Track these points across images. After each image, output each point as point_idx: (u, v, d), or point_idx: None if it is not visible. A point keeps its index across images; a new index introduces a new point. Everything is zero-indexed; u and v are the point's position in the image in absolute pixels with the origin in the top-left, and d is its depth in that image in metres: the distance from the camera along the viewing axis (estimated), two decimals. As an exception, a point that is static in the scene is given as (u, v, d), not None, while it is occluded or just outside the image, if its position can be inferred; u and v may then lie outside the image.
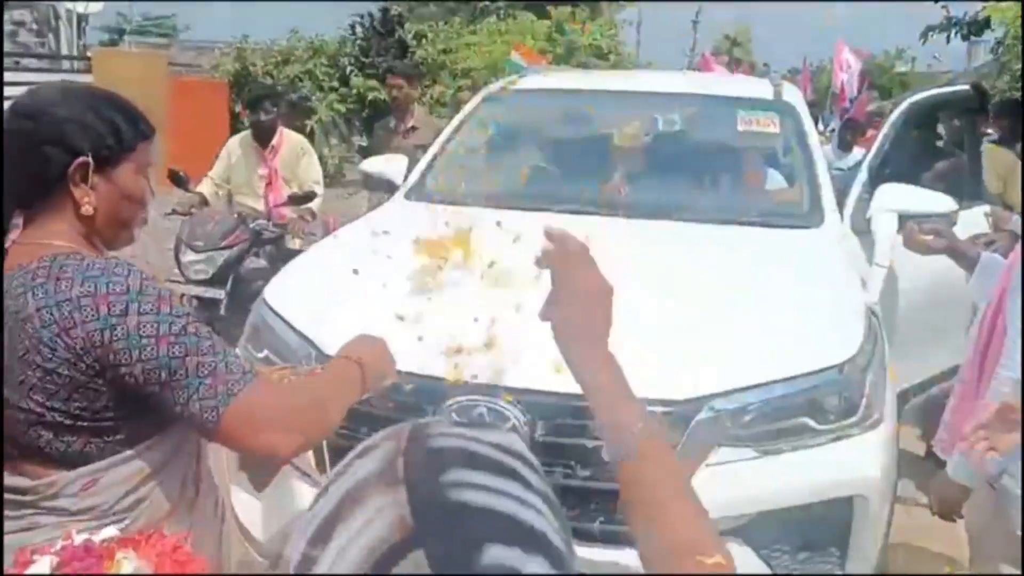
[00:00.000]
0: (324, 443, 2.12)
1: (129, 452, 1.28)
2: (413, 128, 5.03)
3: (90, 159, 1.28)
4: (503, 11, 17.12)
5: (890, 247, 2.88)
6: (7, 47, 12.77)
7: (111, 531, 1.22)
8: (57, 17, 13.13)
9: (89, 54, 12.23)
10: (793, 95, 3.75)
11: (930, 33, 6.71)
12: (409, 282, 2.31)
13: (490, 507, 0.55)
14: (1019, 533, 1.80)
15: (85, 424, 1.24)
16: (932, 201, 2.95)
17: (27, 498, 1.24)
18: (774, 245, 2.84)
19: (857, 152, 7.93)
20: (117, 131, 1.31)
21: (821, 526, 2.04)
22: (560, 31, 15.94)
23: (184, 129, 10.70)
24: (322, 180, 4.96)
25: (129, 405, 1.26)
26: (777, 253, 2.76)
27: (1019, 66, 5.97)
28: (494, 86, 4.02)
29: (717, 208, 3.20)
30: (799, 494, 2.01)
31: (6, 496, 1.24)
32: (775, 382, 2.08)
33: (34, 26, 13.04)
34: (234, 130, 10.70)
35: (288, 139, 4.93)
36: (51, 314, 1.19)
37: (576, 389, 2.01)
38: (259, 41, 13.49)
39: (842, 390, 2.13)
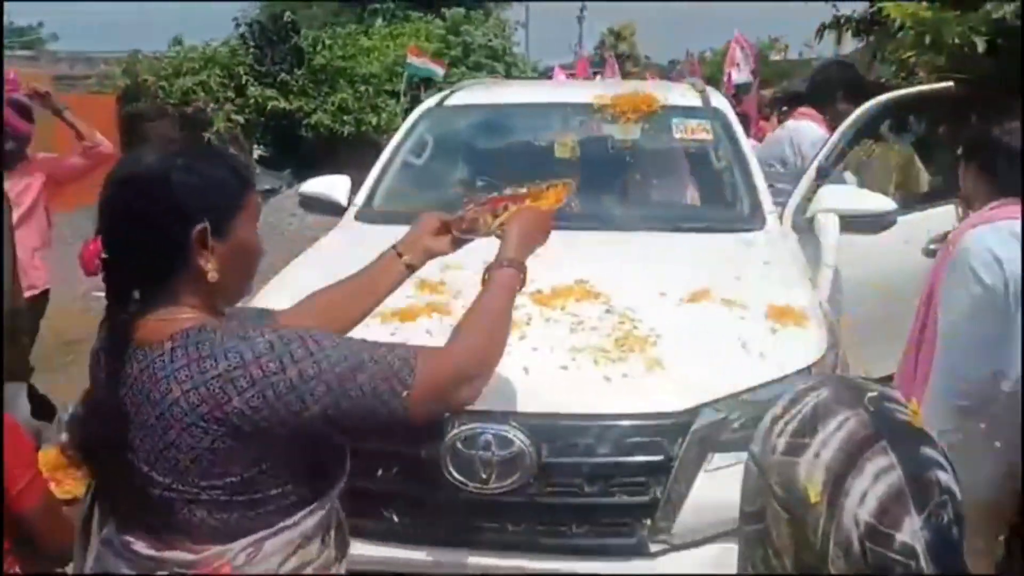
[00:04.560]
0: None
1: (290, 520, 1.27)
2: None
3: (207, 224, 1.24)
4: (391, 13, 17.00)
5: (835, 247, 3.05)
6: None
7: None
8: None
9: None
10: (720, 100, 3.91)
11: (825, 31, 7.08)
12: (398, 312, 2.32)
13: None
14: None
15: (241, 499, 1.23)
16: (871, 202, 3.13)
17: (192, 571, 1.23)
18: (724, 249, 2.96)
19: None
20: (225, 187, 1.28)
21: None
22: (455, 33, 15.97)
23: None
24: None
25: (288, 470, 1.26)
26: (728, 257, 2.88)
27: (901, 57, 6.33)
28: (429, 101, 4.02)
29: (662, 216, 3.30)
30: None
31: (165, 572, 1.24)
32: (757, 387, 2.18)
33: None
34: (125, 148, 10.22)
35: None
36: (199, 394, 1.18)
37: (578, 409, 2.09)
38: (146, 52, 12.95)
39: (816, 389, 2.26)
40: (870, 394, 0.83)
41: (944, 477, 0.78)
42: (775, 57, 34.63)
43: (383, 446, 2.04)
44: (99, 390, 1.27)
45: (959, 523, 0.76)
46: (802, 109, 4.08)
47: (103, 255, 1.24)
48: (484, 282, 1.56)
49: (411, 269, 1.73)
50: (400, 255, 1.73)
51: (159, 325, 1.23)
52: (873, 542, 0.74)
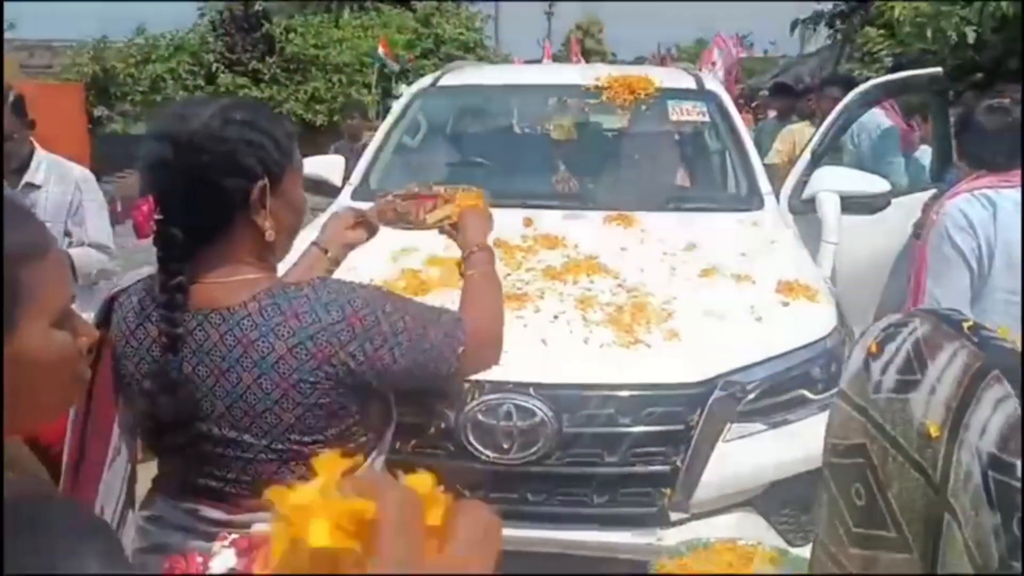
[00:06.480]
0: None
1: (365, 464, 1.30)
2: None
3: (266, 181, 1.20)
4: (360, 4, 16.85)
5: (837, 225, 3.08)
6: None
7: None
8: None
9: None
10: (714, 84, 3.93)
11: (800, 25, 7.24)
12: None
13: None
14: None
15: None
16: (867, 183, 3.17)
17: None
18: (728, 228, 2.97)
19: None
20: (278, 143, 1.23)
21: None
22: (426, 25, 15.88)
23: (39, 139, 9.88)
24: None
25: (370, 419, 1.30)
26: (733, 235, 2.89)
27: (871, 50, 6.45)
28: (423, 81, 3.98)
29: (664, 196, 3.30)
30: (805, 461, 2.13)
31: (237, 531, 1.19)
32: (774, 358, 2.19)
33: None
34: (92, 136, 9.99)
35: None
36: (306, 349, 1.17)
37: (599, 379, 2.08)
38: (114, 39, 12.68)
39: (829, 361, 2.27)
40: (966, 324, 0.82)
41: None
42: (741, 55, 35.17)
43: (402, 417, 2.01)
44: (145, 361, 1.21)
45: None
46: None
47: (157, 216, 1.19)
48: (463, 268, 1.63)
49: (335, 264, 1.68)
50: (325, 251, 1.67)
51: (233, 287, 1.19)
52: (996, 471, 0.73)
